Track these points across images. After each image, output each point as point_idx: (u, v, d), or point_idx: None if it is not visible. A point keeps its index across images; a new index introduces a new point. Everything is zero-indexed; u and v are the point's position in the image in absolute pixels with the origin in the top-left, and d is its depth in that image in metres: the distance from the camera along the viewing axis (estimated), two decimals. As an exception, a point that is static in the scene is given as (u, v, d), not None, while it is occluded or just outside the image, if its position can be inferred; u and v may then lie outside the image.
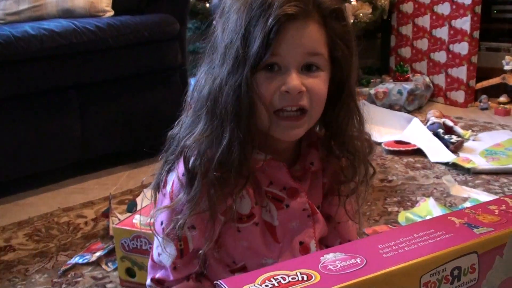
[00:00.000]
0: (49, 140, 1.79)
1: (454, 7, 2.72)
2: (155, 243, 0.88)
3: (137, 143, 1.98)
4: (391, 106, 2.65)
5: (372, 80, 2.95)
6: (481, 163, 1.87)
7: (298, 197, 0.87)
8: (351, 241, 0.95)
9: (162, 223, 0.85)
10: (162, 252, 0.86)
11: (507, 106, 2.62)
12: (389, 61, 3.14)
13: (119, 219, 1.35)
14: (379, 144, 2.10)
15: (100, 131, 1.92)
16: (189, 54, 2.21)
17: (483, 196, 1.59)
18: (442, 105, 2.81)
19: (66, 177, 1.89)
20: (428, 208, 1.48)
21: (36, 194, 1.78)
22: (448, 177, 1.74)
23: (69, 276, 1.27)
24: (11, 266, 1.33)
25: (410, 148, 2.06)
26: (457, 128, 2.19)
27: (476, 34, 2.70)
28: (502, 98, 2.70)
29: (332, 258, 0.58)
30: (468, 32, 2.68)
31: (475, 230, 0.64)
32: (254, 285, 0.54)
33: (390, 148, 2.07)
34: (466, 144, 2.09)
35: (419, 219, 1.39)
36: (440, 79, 2.86)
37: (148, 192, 0.93)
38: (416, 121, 2.30)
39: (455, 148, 2.02)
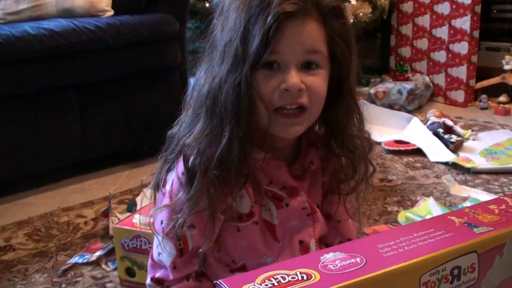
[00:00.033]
0: (48, 140, 1.79)
1: (454, 6, 2.72)
2: (155, 242, 0.88)
3: (137, 142, 1.97)
4: (391, 106, 2.65)
5: (372, 80, 2.95)
6: (481, 162, 1.87)
7: (297, 196, 0.87)
8: (351, 239, 0.95)
9: (162, 222, 0.85)
10: (162, 251, 0.86)
11: (507, 106, 2.62)
12: (389, 60, 3.14)
13: (118, 219, 1.35)
14: (379, 143, 2.10)
15: (100, 131, 1.92)
16: (189, 53, 2.21)
17: (483, 196, 1.59)
18: (442, 104, 2.81)
19: (66, 177, 1.89)
20: (428, 208, 1.48)
21: (36, 194, 1.78)
22: (448, 176, 1.74)
23: (68, 275, 1.27)
24: (11, 265, 1.33)
25: (410, 148, 2.05)
26: (457, 128, 2.19)
27: (476, 33, 2.70)
28: (502, 98, 2.70)
29: (332, 258, 0.58)
30: (468, 31, 2.68)
31: (475, 229, 0.64)
32: (254, 285, 0.54)
33: (390, 148, 2.07)
34: (466, 144, 2.09)
35: (419, 219, 1.39)
36: (440, 79, 2.86)
37: (147, 191, 0.93)
38: (416, 120, 2.30)
39: (455, 147, 2.02)
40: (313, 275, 0.55)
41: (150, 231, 0.88)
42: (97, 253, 1.33)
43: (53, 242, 1.45)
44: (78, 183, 1.87)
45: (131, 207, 1.50)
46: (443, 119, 2.23)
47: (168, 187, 0.85)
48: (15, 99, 1.72)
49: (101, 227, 1.50)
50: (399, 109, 2.63)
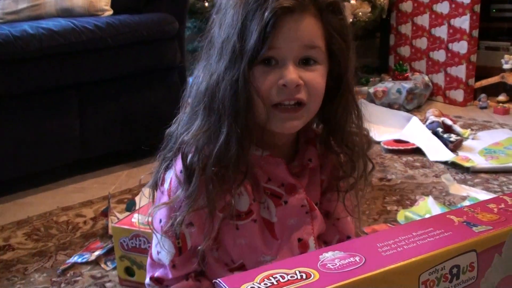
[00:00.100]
0: (48, 139, 1.79)
1: (453, 6, 2.72)
2: (154, 241, 0.88)
3: (136, 142, 1.97)
4: (390, 105, 2.65)
5: (371, 79, 2.95)
6: (480, 161, 1.87)
7: (296, 194, 0.87)
8: (350, 237, 0.96)
9: (160, 220, 0.85)
10: (160, 249, 0.86)
11: (506, 105, 2.62)
12: (388, 60, 3.14)
13: (118, 218, 1.34)
14: (378, 143, 2.10)
15: (99, 130, 1.92)
16: (188, 53, 2.21)
17: (482, 195, 1.59)
18: (441, 104, 2.81)
19: (65, 176, 1.89)
20: (427, 207, 1.48)
21: (35, 193, 1.78)
22: (447, 176, 1.74)
23: (68, 275, 1.27)
24: (10, 265, 1.33)
25: (409, 147, 2.05)
26: (456, 127, 2.19)
27: (475, 33, 2.70)
28: (501, 97, 2.70)
29: (331, 257, 0.58)
30: (467, 31, 2.68)
31: (474, 228, 0.64)
32: (253, 284, 0.54)
33: (389, 147, 2.07)
34: (465, 143, 2.09)
35: (418, 218, 1.39)
36: (439, 78, 2.86)
37: (146, 190, 0.93)
38: (415, 120, 2.30)
39: (454, 147, 2.02)
40: (312, 274, 0.55)
41: (150, 231, 0.88)
42: (97, 253, 1.33)
43: (53, 241, 1.45)
44: (77, 182, 1.87)
45: (130, 207, 1.50)
46: (442, 118, 2.23)
47: (166, 185, 0.85)
48: (14, 99, 1.72)
49: (101, 227, 1.50)
50: (398, 109, 2.63)
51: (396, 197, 1.63)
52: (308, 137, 0.90)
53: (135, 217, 1.17)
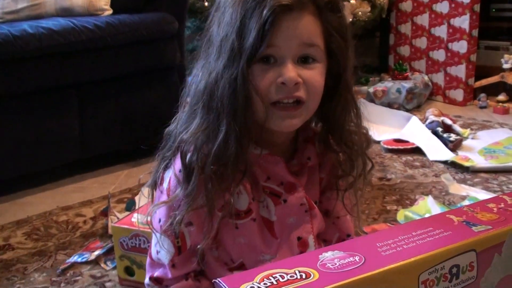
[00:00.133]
0: (47, 139, 1.79)
1: (453, 5, 2.72)
2: (153, 240, 0.88)
3: (136, 141, 1.97)
4: (390, 105, 2.65)
5: (371, 79, 2.95)
6: (480, 161, 1.87)
7: (295, 192, 0.87)
8: (350, 235, 0.96)
9: (160, 220, 0.85)
10: (160, 249, 0.86)
11: (506, 105, 2.62)
12: (388, 59, 3.14)
13: (118, 218, 1.34)
14: (378, 142, 2.10)
15: (99, 130, 1.92)
16: (188, 52, 2.21)
17: (482, 194, 1.59)
18: (441, 103, 2.81)
19: (65, 176, 1.89)
20: (427, 207, 1.48)
21: (35, 193, 1.78)
22: (446, 175, 1.74)
23: (68, 275, 1.27)
24: (10, 265, 1.33)
25: (409, 147, 2.05)
26: (456, 127, 2.19)
27: (475, 32, 2.70)
28: (501, 97, 2.70)
29: (330, 256, 0.58)
30: (467, 30, 2.68)
31: (473, 228, 0.64)
32: (253, 283, 0.54)
33: (389, 147, 2.07)
34: (465, 143, 2.09)
35: (417, 217, 1.39)
36: (439, 78, 2.86)
37: (145, 190, 0.93)
38: (415, 119, 2.30)
39: (454, 146, 2.02)
40: (312, 274, 0.55)
41: (149, 230, 0.88)
42: (96, 252, 1.33)
43: (52, 241, 1.45)
44: (77, 182, 1.87)
45: (130, 206, 1.50)
46: (442, 118, 2.23)
47: (165, 184, 0.85)
48: (14, 98, 1.72)
49: (100, 226, 1.50)
50: (398, 108, 2.63)
51: (395, 197, 1.63)
52: (307, 135, 0.90)
53: (135, 217, 1.17)
